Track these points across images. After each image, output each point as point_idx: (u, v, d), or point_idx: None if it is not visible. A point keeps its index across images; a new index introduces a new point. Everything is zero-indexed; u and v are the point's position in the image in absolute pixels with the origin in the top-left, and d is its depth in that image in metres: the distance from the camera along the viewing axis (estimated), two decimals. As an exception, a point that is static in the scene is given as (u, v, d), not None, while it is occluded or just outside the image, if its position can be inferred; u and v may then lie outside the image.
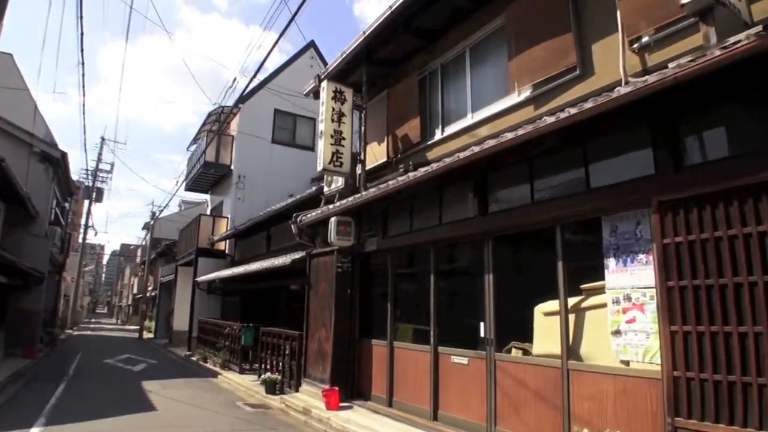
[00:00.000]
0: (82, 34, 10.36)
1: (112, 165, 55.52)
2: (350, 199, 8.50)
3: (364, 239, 9.04)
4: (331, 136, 9.42)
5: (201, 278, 17.75)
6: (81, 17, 9.99)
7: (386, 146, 9.75)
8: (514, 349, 6.25)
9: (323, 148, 9.30)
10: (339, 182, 9.84)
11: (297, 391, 9.80)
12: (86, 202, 35.77)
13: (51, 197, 17.34)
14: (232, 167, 20.33)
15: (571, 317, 5.49)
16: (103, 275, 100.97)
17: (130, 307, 54.03)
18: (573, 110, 4.79)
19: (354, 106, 9.95)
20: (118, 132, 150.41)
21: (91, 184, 35.20)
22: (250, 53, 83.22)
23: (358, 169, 9.83)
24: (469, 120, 7.94)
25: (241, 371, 12.99)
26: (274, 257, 14.19)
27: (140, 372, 13.58)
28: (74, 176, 26.15)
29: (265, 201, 18.80)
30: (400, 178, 7.36)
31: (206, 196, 24.88)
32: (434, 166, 6.60)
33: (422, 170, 6.81)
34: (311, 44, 22.34)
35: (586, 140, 5.46)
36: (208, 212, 22.76)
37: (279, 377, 10.36)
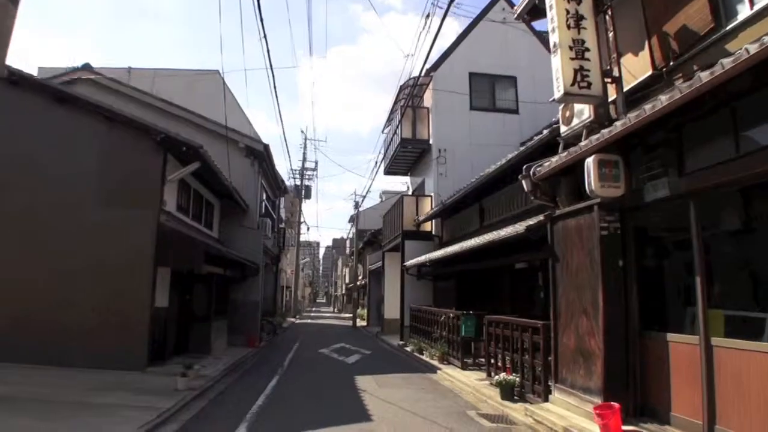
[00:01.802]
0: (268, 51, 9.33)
1: (316, 163, 58.88)
2: (618, 124, 5.69)
3: (641, 184, 6.14)
4: (570, 48, 6.68)
5: (409, 262, 16.28)
6: (265, 36, 8.92)
7: (648, 54, 6.68)
8: None
9: (561, 65, 6.61)
10: (584, 114, 7.04)
11: (545, 399, 7.32)
12: (297, 201, 37.94)
13: (259, 190, 17.48)
14: (430, 141, 18.58)
15: None
16: (320, 268, 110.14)
17: (344, 296, 57.08)
18: None
19: (593, 3, 7.05)
20: (317, 135, 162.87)
21: (299, 183, 37.32)
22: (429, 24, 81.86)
23: (611, 93, 6.95)
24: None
25: (463, 366, 10.97)
26: (489, 232, 11.90)
27: (354, 364, 12.44)
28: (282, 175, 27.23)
29: (470, 174, 16.61)
30: (715, 69, 4.36)
31: (406, 180, 23.65)
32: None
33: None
34: (502, -11, 19.45)
35: None
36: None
37: (517, 379, 8.01)
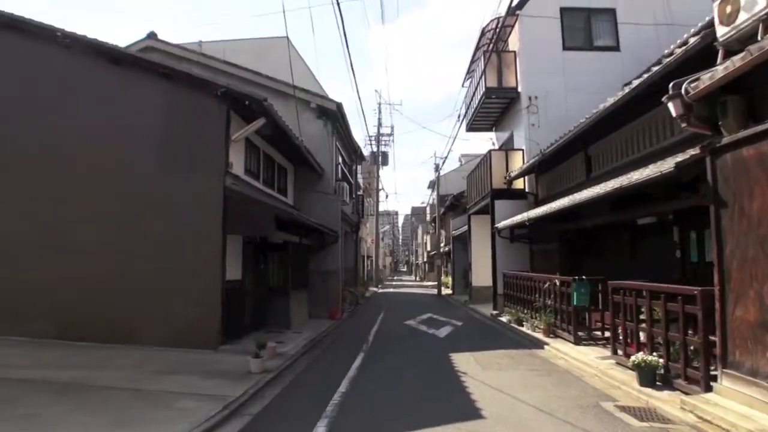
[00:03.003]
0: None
1: (392, 127, 57.16)
2: None
3: None
4: None
5: (501, 224, 14.59)
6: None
7: None
8: None
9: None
10: (757, 6, 5.08)
11: (706, 389, 5.59)
12: (375, 168, 36.83)
13: (334, 153, 16.34)
14: (518, 89, 16.52)
15: None
16: (400, 238, 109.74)
17: (425, 264, 56.04)
18: None
19: None
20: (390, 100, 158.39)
21: (375, 149, 36.12)
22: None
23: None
24: None
25: (576, 341, 9.33)
26: (597, 184, 9.99)
27: (446, 339, 11.11)
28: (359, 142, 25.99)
29: (565, 123, 14.55)
30: None
31: (491, 136, 21.63)
32: None
33: None
34: None
35: None
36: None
37: (660, 360, 6.30)
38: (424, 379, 7.09)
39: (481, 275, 19.33)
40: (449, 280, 30.23)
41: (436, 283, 30.99)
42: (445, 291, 28.47)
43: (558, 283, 10.31)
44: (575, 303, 9.37)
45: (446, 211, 31.69)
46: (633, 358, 6.46)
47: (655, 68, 6.75)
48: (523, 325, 11.93)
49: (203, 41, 21.37)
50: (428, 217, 48.04)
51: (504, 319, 13.55)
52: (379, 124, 36.81)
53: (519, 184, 16.18)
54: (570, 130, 11.18)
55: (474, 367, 7.69)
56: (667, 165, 6.07)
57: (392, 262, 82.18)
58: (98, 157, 9.31)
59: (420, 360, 8.58)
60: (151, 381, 6.37)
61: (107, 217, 9.17)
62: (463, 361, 8.26)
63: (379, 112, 36.72)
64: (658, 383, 6.30)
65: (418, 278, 62.76)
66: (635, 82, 8.06)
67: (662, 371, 6.32)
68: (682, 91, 5.55)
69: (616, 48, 16.39)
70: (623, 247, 10.17)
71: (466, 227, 22.76)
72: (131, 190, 9.21)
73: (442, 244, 31.06)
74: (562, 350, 8.99)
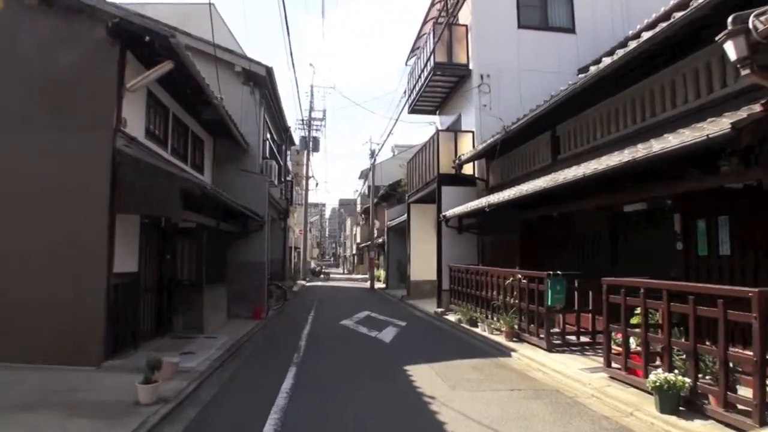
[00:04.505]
0: None
1: (324, 112, 54.43)
2: None
3: None
4: None
5: (450, 212, 13.03)
6: None
7: None
8: None
9: None
10: None
11: (762, 423, 4.21)
12: (305, 154, 34.60)
13: (262, 126, 14.18)
14: (470, 66, 15.07)
15: None
16: (327, 230, 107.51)
17: (354, 257, 54.42)
18: None
19: None
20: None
21: (306, 133, 33.90)
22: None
23: None
24: None
25: (549, 347, 7.92)
26: (567, 168, 8.65)
27: (393, 344, 9.39)
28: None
29: (518, 105, 13.35)
30: None
31: (433, 120, 20.09)
32: None
33: None
34: None
35: None
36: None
37: (687, 381, 4.89)
38: (383, 410, 5.27)
39: (421, 269, 17.86)
40: (382, 273, 28.68)
41: (367, 276, 29.38)
42: (378, 285, 26.87)
43: (525, 279, 8.89)
44: (549, 303, 7.95)
45: (380, 201, 30.12)
46: (653, 377, 5.00)
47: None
48: (477, 326, 10.46)
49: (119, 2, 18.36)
50: (359, 208, 46.32)
51: (452, 318, 12.05)
52: (311, 107, 34.68)
53: (467, 170, 14.75)
54: (539, 105, 9.75)
55: (440, 387, 6.00)
56: (711, 128, 4.60)
57: (319, 254, 79.92)
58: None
59: (369, 376, 6.78)
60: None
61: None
62: (423, 376, 6.55)
63: (311, 93, 34.37)
64: (681, 408, 4.90)
65: (346, 271, 61.10)
66: (629, 47, 6.60)
67: (689, 395, 4.93)
68: (750, 25, 4.09)
69: (572, 30, 15.42)
70: (601, 240, 8.88)
71: (403, 217, 21.23)
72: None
73: (375, 235, 29.40)
74: (535, 359, 7.53)
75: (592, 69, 7.78)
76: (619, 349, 6.26)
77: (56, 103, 6.81)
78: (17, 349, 6.35)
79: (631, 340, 6.17)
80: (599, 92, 8.40)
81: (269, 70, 13.50)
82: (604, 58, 8.05)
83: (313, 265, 65.89)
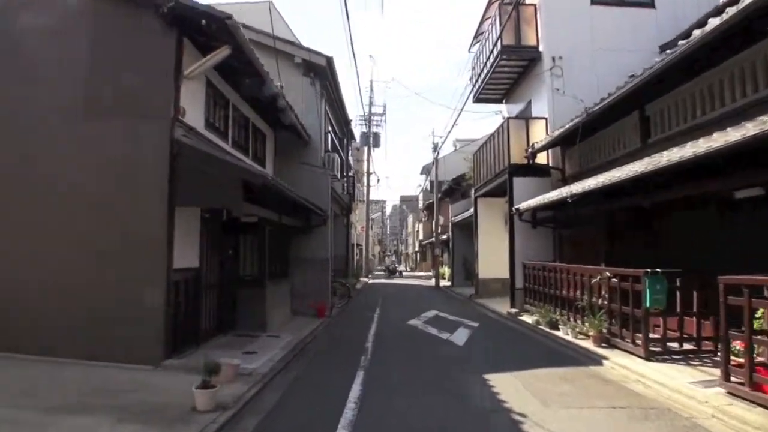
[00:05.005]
0: None
1: (384, 107, 53.80)
2: None
3: None
4: None
5: (524, 204, 12.10)
6: None
7: None
8: None
9: None
10: None
11: None
12: (365, 150, 34.28)
13: (323, 118, 13.76)
14: (540, 48, 14.05)
15: None
16: (388, 227, 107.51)
17: (416, 254, 53.79)
18: None
19: None
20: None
21: (366, 129, 33.56)
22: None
23: None
24: None
25: (647, 355, 6.94)
26: (662, 150, 7.57)
27: (467, 348, 8.66)
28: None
29: (595, 88, 12.16)
30: None
31: (499, 109, 19.09)
32: None
33: None
34: None
35: None
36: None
37: None
38: (464, 428, 4.60)
39: (490, 266, 16.97)
40: (447, 270, 27.88)
41: (430, 273, 28.62)
42: (443, 282, 26.09)
43: (613, 278, 7.93)
44: (648, 305, 6.97)
45: (443, 196, 29.27)
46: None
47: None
48: (558, 329, 9.55)
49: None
50: (421, 204, 45.56)
51: (528, 319, 11.14)
52: (371, 102, 34.27)
53: (540, 160, 13.75)
54: (626, 81, 8.70)
55: (530, 402, 5.23)
56: None
57: (380, 251, 79.83)
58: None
59: (445, 386, 6.10)
60: (31, 428, 3.90)
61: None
62: (507, 388, 5.80)
63: (371, 89, 34.10)
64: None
65: (408, 268, 60.53)
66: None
67: None
68: None
69: (650, 4, 14.08)
70: (703, 232, 7.75)
71: (469, 212, 20.36)
72: (36, 145, 6.64)
73: (439, 232, 28.61)
74: (632, 368, 6.61)
75: (696, 33, 6.71)
76: (740, 360, 5.29)
77: (113, 91, 6.58)
78: (76, 345, 6.16)
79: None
80: (701, 63, 7.32)
81: (329, 60, 13.06)
82: (694, 31, 6.97)
83: (387, 262, 65.89)
